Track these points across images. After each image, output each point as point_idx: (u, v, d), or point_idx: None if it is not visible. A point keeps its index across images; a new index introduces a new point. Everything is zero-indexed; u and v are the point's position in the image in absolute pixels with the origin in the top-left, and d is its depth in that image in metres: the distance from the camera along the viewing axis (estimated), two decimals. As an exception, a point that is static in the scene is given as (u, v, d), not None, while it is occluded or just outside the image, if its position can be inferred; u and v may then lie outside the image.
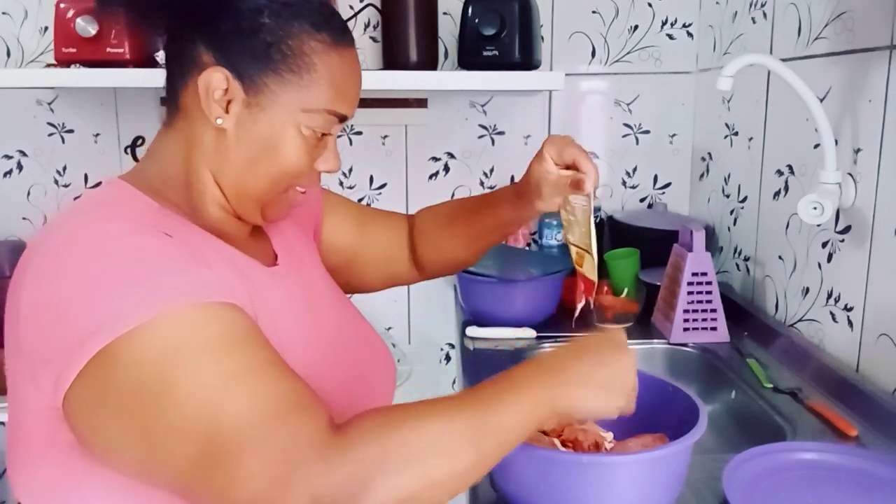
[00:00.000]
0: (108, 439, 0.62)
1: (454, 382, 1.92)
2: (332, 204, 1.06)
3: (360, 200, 1.87)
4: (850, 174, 1.16)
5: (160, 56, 1.32)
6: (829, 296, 1.23)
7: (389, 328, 1.92)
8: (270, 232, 0.91)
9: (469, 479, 0.63)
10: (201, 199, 0.78)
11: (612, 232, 1.77)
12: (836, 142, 1.16)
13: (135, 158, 1.83)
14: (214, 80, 0.74)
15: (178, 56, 0.77)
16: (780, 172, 1.40)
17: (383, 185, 1.87)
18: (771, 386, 1.19)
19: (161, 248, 0.66)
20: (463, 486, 0.63)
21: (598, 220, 1.73)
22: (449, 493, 0.62)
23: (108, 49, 1.45)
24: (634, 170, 1.88)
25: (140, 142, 1.83)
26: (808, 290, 1.30)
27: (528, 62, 1.56)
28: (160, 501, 0.65)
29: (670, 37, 1.81)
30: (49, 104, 1.81)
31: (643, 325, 1.50)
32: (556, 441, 0.89)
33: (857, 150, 1.14)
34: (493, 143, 1.86)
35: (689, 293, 1.40)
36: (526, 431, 0.67)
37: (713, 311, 1.40)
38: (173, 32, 0.78)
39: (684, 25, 1.81)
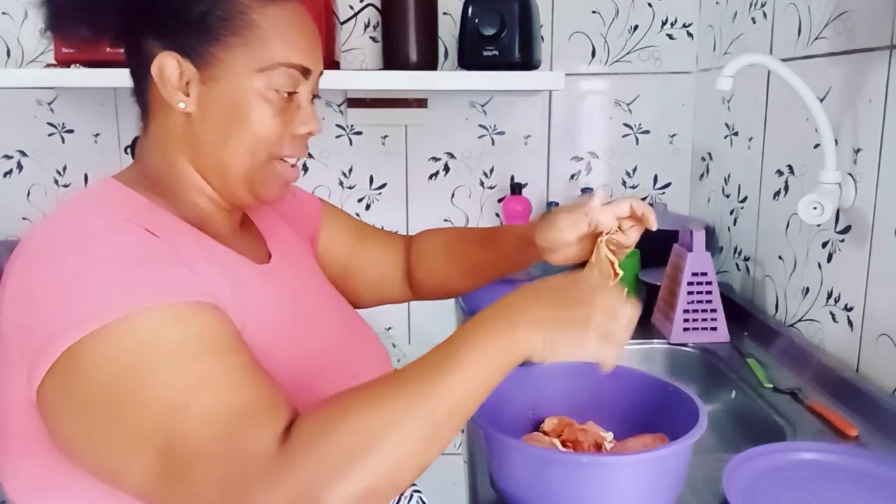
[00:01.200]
0: (72, 440, 0.62)
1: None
2: (330, 215, 1.06)
3: (360, 201, 1.88)
4: (850, 174, 1.16)
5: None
6: (829, 296, 1.23)
7: (389, 328, 1.92)
8: (266, 233, 0.90)
9: (429, 455, 0.60)
10: (187, 193, 0.78)
11: (612, 232, 1.77)
12: (836, 142, 1.16)
13: (134, 158, 1.83)
14: (166, 65, 0.73)
15: (133, 57, 0.77)
16: (780, 172, 1.40)
17: (383, 185, 1.88)
18: (771, 386, 1.19)
19: (141, 246, 0.66)
20: (425, 463, 0.60)
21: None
22: (411, 473, 0.59)
23: (108, 49, 1.45)
24: (634, 170, 1.88)
25: (140, 142, 1.83)
26: (808, 290, 1.30)
27: (528, 62, 1.56)
28: None
29: (670, 37, 1.81)
30: (49, 104, 1.81)
31: (643, 325, 1.50)
32: (556, 441, 0.89)
33: (857, 150, 1.14)
34: (493, 143, 1.86)
35: (689, 293, 1.40)
36: (482, 390, 0.62)
37: (713, 311, 1.40)
38: (123, 34, 0.78)
39: (684, 25, 1.81)
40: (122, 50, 0.81)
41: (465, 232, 1.08)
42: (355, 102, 1.82)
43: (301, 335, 0.80)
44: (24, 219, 1.84)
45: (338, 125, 1.84)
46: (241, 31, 0.73)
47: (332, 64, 1.64)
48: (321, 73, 0.82)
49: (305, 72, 0.77)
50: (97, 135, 1.82)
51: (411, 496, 0.92)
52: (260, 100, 0.75)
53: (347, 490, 0.56)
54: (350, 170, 1.86)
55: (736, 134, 1.60)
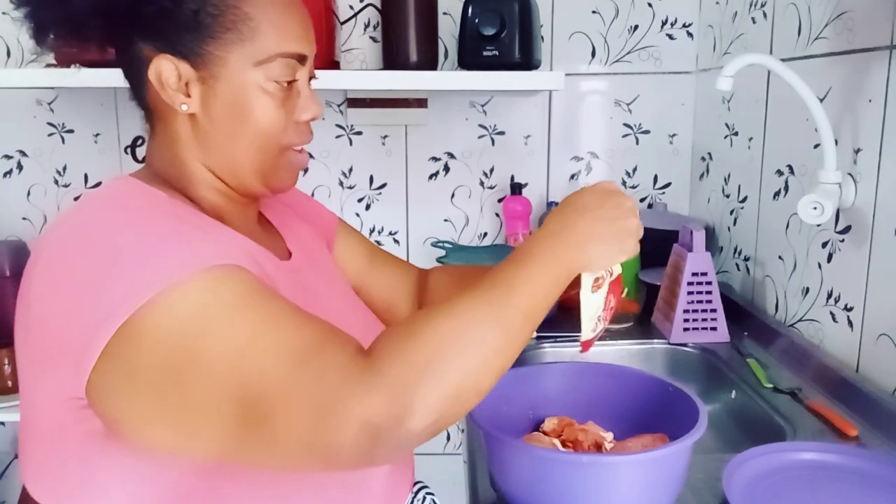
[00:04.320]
0: (139, 416, 0.62)
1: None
2: (346, 231, 1.05)
3: (360, 201, 1.88)
4: (850, 174, 1.16)
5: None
6: (829, 296, 1.23)
7: (389, 328, 1.92)
8: (284, 231, 0.90)
9: (506, 357, 0.64)
10: (201, 191, 0.78)
11: (612, 232, 1.77)
12: (836, 142, 1.16)
13: (135, 158, 1.83)
14: (162, 68, 0.73)
15: (127, 63, 0.77)
16: (780, 172, 1.40)
17: (383, 185, 1.88)
18: (771, 386, 1.19)
19: (171, 224, 0.67)
20: (504, 366, 0.64)
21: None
22: (491, 376, 0.63)
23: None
24: (634, 170, 1.88)
25: (140, 142, 1.83)
26: (808, 290, 1.30)
27: (528, 62, 1.55)
28: (176, 485, 0.66)
29: (670, 37, 1.81)
30: (49, 104, 1.81)
31: (643, 325, 1.50)
32: (556, 441, 0.89)
33: (857, 150, 1.14)
34: (493, 143, 1.86)
35: (689, 293, 1.40)
36: (549, 299, 0.68)
37: (713, 311, 1.40)
38: (112, 40, 0.77)
39: (684, 25, 1.81)
40: (65, 47, 0.79)
41: (481, 266, 1.06)
42: (355, 102, 1.82)
43: None
44: (24, 219, 1.84)
45: (338, 125, 1.84)
46: (235, 26, 0.73)
47: (332, 64, 1.64)
48: (314, 53, 0.81)
49: (302, 59, 0.77)
50: (97, 135, 1.82)
51: (424, 498, 0.92)
52: (261, 93, 0.74)
53: (437, 390, 0.58)
54: (350, 170, 1.86)
55: (736, 134, 1.60)
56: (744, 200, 1.56)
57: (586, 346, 0.84)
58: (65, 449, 0.66)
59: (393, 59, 1.60)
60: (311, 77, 0.81)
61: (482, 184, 1.88)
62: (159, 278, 0.60)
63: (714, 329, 1.40)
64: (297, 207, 0.98)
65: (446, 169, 1.87)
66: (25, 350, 0.67)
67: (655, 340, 1.44)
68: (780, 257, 1.40)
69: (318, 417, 0.57)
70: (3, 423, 1.90)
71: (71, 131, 1.82)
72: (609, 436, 0.90)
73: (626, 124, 1.86)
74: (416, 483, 0.92)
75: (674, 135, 1.86)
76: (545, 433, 0.91)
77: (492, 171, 1.88)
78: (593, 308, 0.81)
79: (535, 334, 1.46)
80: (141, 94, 0.78)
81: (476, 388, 0.61)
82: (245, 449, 0.60)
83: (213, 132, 0.75)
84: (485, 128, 1.86)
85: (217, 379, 0.59)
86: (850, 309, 1.17)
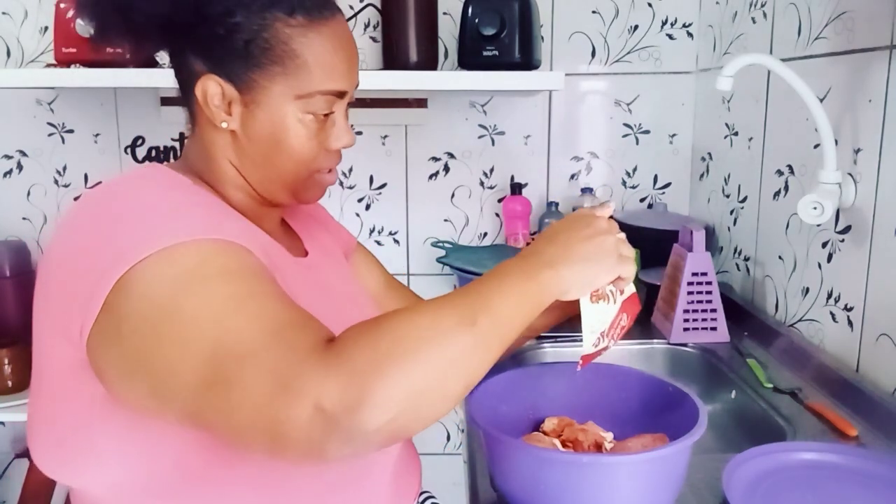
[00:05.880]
0: (121, 369, 0.63)
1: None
2: (363, 252, 1.07)
3: (360, 201, 1.88)
4: (850, 174, 1.16)
5: (161, 56, 1.33)
6: (829, 296, 1.23)
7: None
8: (304, 236, 0.93)
9: (474, 364, 0.62)
10: (228, 188, 0.81)
11: (612, 232, 1.77)
12: (836, 142, 1.16)
13: (135, 158, 1.83)
14: (209, 87, 0.76)
15: (179, 70, 0.81)
16: (780, 172, 1.40)
17: (383, 185, 1.88)
18: (771, 386, 1.19)
19: (185, 198, 0.70)
20: (471, 372, 0.61)
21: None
22: (458, 380, 0.60)
23: (108, 49, 1.46)
24: (634, 170, 1.88)
25: (140, 142, 1.83)
26: (808, 290, 1.30)
27: (528, 62, 1.56)
28: (171, 463, 0.67)
29: (670, 37, 1.81)
30: (49, 104, 1.81)
31: (643, 325, 1.50)
32: (556, 441, 0.89)
33: (857, 150, 1.14)
34: (493, 143, 1.86)
35: (689, 293, 1.40)
36: (521, 317, 0.66)
37: (713, 311, 1.40)
38: (169, 49, 0.81)
39: (684, 25, 1.81)
40: (124, 48, 0.82)
41: None
42: (355, 102, 1.81)
43: (333, 329, 0.80)
44: (24, 219, 1.84)
45: (338, 125, 1.84)
46: (281, 60, 0.76)
47: (332, 64, 1.64)
48: (357, 85, 0.84)
49: (342, 94, 0.80)
50: (97, 135, 1.82)
51: None
52: (297, 124, 0.78)
53: (396, 381, 0.56)
54: (350, 170, 1.86)
55: (736, 134, 1.60)
56: (744, 200, 1.56)
57: (586, 360, 0.83)
58: (67, 415, 0.68)
59: (393, 59, 1.61)
60: (350, 103, 0.84)
61: (482, 184, 1.88)
62: (162, 238, 0.63)
63: (714, 329, 1.40)
64: (321, 218, 1.01)
65: (446, 169, 1.87)
66: (42, 315, 0.69)
67: (655, 340, 1.44)
68: (780, 257, 1.40)
69: (275, 388, 0.56)
70: (2, 423, 1.90)
71: (71, 131, 1.82)
72: (609, 436, 0.90)
73: (626, 124, 1.86)
74: (422, 493, 0.92)
75: (674, 135, 1.86)
76: (545, 433, 0.91)
77: (492, 171, 1.88)
78: (594, 319, 0.79)
79: (535, 334, 1.46)
80: (189, 99, 0.81)
81: (440, 390, 0.59)
82: (205, 410, 0.60)
83: (248, 149, 0.79)
84: (485, 128, 1.86)
85: (193, 335, 0.60)
86: (850, 309, 1.17)
